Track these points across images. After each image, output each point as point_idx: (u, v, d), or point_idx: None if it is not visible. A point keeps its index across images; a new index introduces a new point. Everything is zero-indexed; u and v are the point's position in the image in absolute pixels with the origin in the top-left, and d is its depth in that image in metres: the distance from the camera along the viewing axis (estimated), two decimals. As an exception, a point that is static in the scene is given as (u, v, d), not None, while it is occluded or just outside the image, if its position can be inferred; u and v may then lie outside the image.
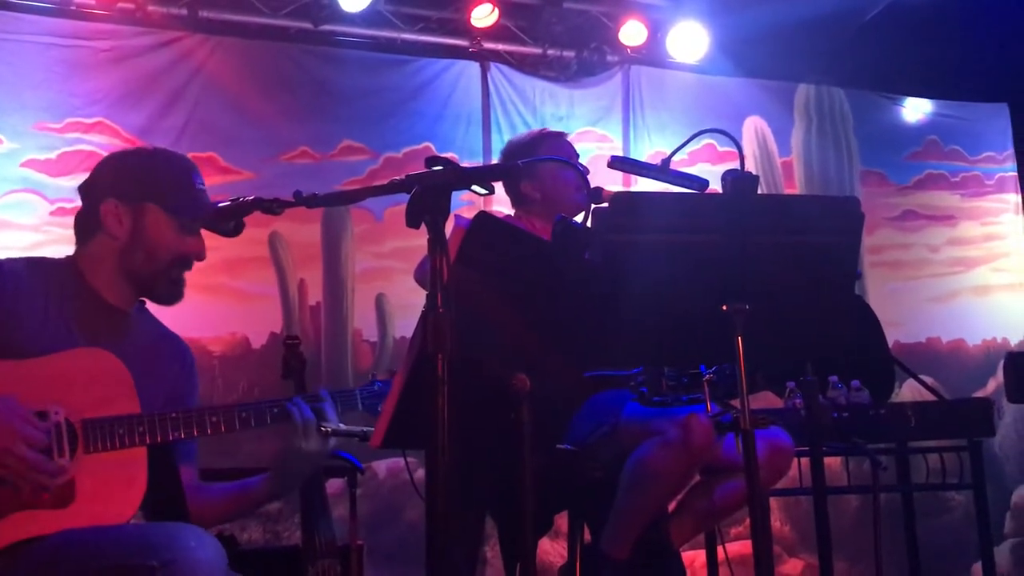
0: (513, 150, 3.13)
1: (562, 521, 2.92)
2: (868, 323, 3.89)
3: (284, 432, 2.03)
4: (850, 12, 5.26)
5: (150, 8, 4.54)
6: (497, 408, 1.80)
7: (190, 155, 2.22)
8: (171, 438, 1.95)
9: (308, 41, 4.87)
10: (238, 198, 1.83)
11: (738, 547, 4.10)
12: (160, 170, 2.09)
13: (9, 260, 2.02)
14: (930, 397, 3.98)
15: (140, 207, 2.03)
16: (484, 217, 1.75)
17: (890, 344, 4.52)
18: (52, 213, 4.16)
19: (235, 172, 4.50)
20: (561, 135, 3.14)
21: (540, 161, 2.92)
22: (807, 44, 5.36)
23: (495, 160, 4.33)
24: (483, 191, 1.73)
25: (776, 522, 4.93)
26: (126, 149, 2.25)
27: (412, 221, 1.53)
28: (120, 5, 4.48)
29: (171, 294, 2.08)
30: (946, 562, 5.08)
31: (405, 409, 1.69)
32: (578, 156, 3.07)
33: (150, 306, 2.18)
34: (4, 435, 1.76)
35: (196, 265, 2.13)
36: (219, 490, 2.15)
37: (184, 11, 4.61)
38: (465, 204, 4.12)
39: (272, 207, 1.77)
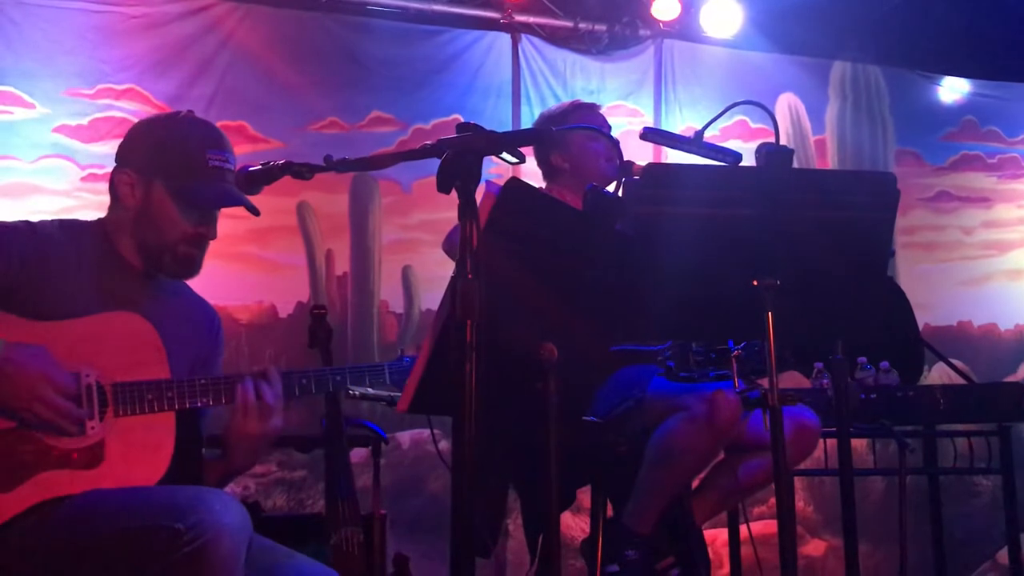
0: (545, 120, 3.11)
1: (584, 496, 2.92)
2: (898, 304, 3.85)
3: (230, 411, 2.00)
4: (888, -13, 5.17)
5: (181, -25, 4.53)
6: (523, 378, 1.79)
7: (219, 123, 2.18)
8: (199, 404, 1.96)
9: (339, 10, 4.84)
10: (268, 163, 1.82)
11: (761, 526, 4.08)
12: (172, 146, 2.04)
13: (42, 222, 2.03)
14: (960, 381, 3.93)
15: (149, 182, 2.03)
16: (515, 183, 1.74)
17: (920, 327, 4.47)
18: (83, 179, 4.17)
19: (264, 141, 4.50)
20: (593, 106, 3.12)
21: (571, 130, 2.90)
22: (843, 20, 5.27)
23: (525, 133, 4.29)
24: (513, 160, 1.71)
25: (800, 502, 4.90)
26: (154, 116, 2.23)
27: (443, 186, 1.52)
28: (151, -28, 4.48)
29: (179, 270, 2.07)
30: (972, 547, 5.04)
31: (432, 374, 1.69)
32: (610, 128, 3.04)
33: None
34: (34, 380, 1.79)
35: (225, 233, 2.12)
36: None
37: (215, -21, 4.59)
38: (495, 177, 4.10)
39: (302, 171, 1.76)
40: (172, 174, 2.02)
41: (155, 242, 2.03)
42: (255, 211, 2.04)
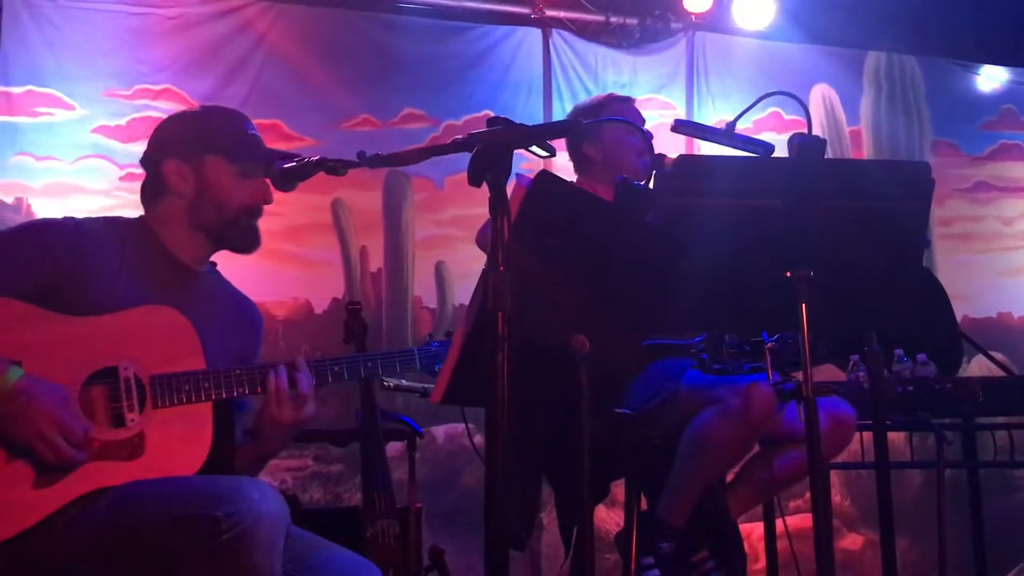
0: (579, 112, 3.10)
1: (618, 490, 2.92)
2: (935, 296, 3.80)
3: (261, 400, 2.03)
4: (924, -24, 5.10)
5: (215, -24, 4.58)
6: (556, 370, 1.80)
7: (255, 122, 2.23)
8: (235, 394, 1.99)
9: (370, 8, 4.87)
10: (303, 158, 1.85)
11: (797, 520, 4.06)
12: (213, 122, 2.14)
13: (86, 219, 2.08)
14: (999, 373, 3.88)
15: (200, 161, 2.08)
16: (546, 176, 1.74)
17: (959, 318, 4.41)
18: (122, 178, 4.26)
19: (298, 139, 4.55)
20: (628, 100, 3.10)
21: (603, 123, 2.89)
22: (877, 10, 5.20)
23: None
24: (543, 153, 1.72)
25: (836, 496, 4.86)
26: (175, 112, 2.28)
27: (474, 180, 1.53)
28: (186, -26, 4.54)
29: (246, 241, 2.12)
30: (1012, 541, 4.96)
31: (465, 366, 1.70)
32: (644, 122, 3.03)
33: (221, 266, 2.22)
34: (40, 419, 1.80)
35: (261, 230, 2.14)
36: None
37: (248, -21, 4.64)
38: (525, 172, 4.11)
39: (336, 167, 1.78)
40: (224, 144, 2.09)
41: (218, 219, 2.09)
42: (276, 166, 2.01)
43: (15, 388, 1.80)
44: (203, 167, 2.08)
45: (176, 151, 2.09)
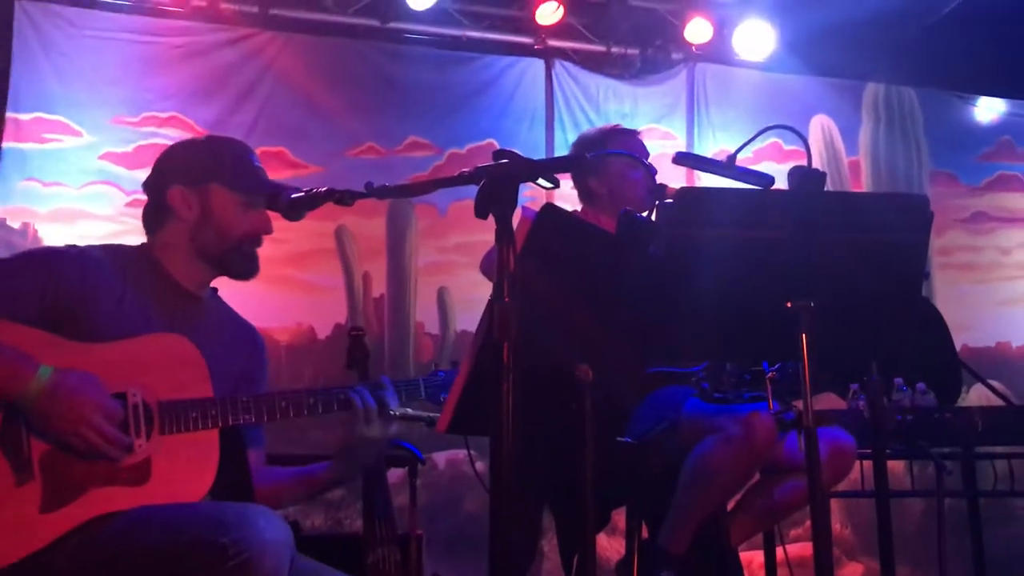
0: (584, 143, 3.13)
1: (619, 518, 2.93)
2: (935, 325, 3.82)
3: (347, 419, 2.08)
4: (922, 9, 5.16)
5: (222, 5, 4.65)
6: (559, 399, 1.82)
7: (259, 150, 2.27)
8: (242, 421, 2.01)
9: (376, 38, 4.94)
10: (311, 189, 1.88)
11: (797, 548, 4.06)
12: (219, 152, 2.17)
13: (90, 247, 2.09)
14: (998, 402, 3.89)
15: (205, 188, 2.10)
16: (551, 209, 1.77)
17: (958, 347, 4.42)
18: (128, 204, 4.30)
19: (303, 166, 4.60)
20: (633, 132, 3.13)
21: (608, 156, 2.92)
22: (877, 42, 5.26)
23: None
24: (548, 185, 1.75)
25: (836, 524, 4.86)
26: (181, 140, 2.32)
27: (480, 212, 1.55)
28: (194, 3, 4.60)
29: (246, 269, 2.14)
30: (1013, 571, 4.95)
31: (470, 396, 1.72)
32: (648, 155, 3.06)
33: (225, 292, 2.24)
34: (85, 406, 1.83)
35: (265, 257, 2.17)
36: (286, 473, 2.21)
37: (255, 8, 4.71)
38: (528, 200, 4.15)
39: (344, 198, 1.81)
40: (229, 174, 2.11)
41: (219, 246, 2.11)
42: (284, 197, 2.06)
43: (52, 384, 1.82)
44: (208, 195, 2.10)
45: (182, 178, 2.12)
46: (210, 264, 2.13)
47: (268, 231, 2.14)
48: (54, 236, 4.18)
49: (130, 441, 1.89)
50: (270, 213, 2.11)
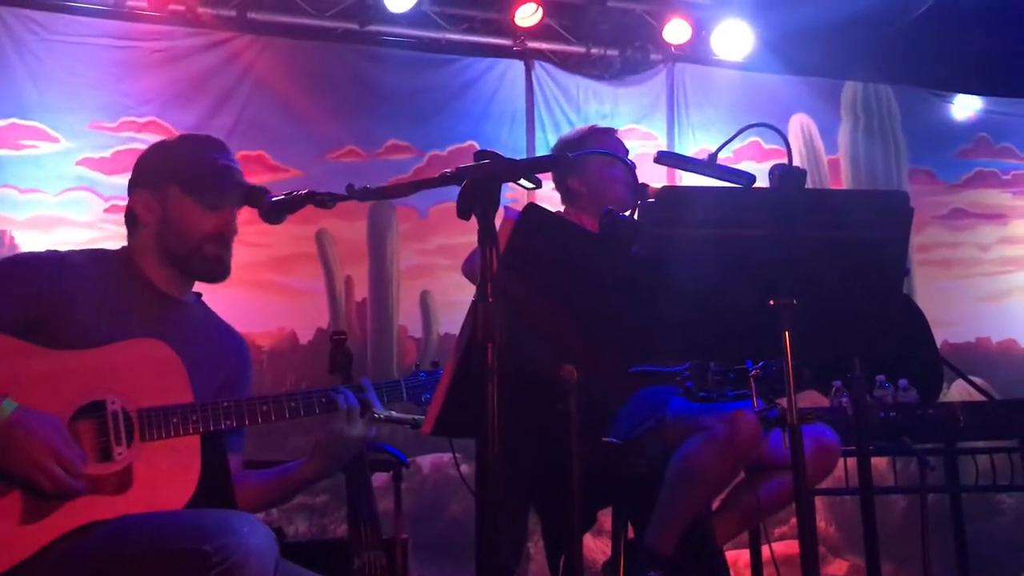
0: (563, 145, 3.14)
1: (605, 518, 2.93)
2: (916, 322, 3.84)
3: (328, 418, 2.06)
4: (898, 8, 5.19)
5: (200, 10, 4.62)
6: (543, 400, 1.81)
7: (239, 154, 2.25)
8: (223, 426, 1.99)
9: (355, 41, 4.92)
10: (291, 192, 1.86)
11: (783, 547, 4.07)
12: (177, 153, 2.14)
13: (70, 252, 2.08)
14: (979, 397, 3.91)
15: (163, 192, 2.08)
16: (533, 209, 1.77)
17: (939, 344, 4.45)
18: (106, 210, 4.27)
19: (283, 170, 4.58)
20: (611, 131, 3.14)
21: (588, 156, 2.92)
22: (854, 41, 5.30)
23: (539, 158, 4.33)
24: (530, 185, 1.74)
25: (821, 522, 4.88)
26: (156, 142, 2.30)
27: (462, 213, 1.55)
28: (171, 7, 4.57)
29: (210, 271, 2.11)
30: (996, 566, 4.99)
31: (455, 397, 1.71)
32: (627, 152, 3.06)
33: (206, 297, 2.22)
34: (40, 450, 1.79)
35: (246, 261, 2.16)
36: (260, 476, 2.19)
37: (233, 13, 4.69)
38: (510, 202, 4.15)
39: (325, 200, 1.80)
40: (185, 176, 2.08)
41: (181, 248, 2.08)
42: (271, 218, 2.02)
43: (10, 420, 1.79)
44: (167, 198, 2.08)
45: (145, 182, 2.11)
46: (176, 267, 2.10)
47: (232, 231, 2.10)
48: (31, 243, 4.14)
49: (79, 488, 1.84)
50: (251, 217, 2.09)
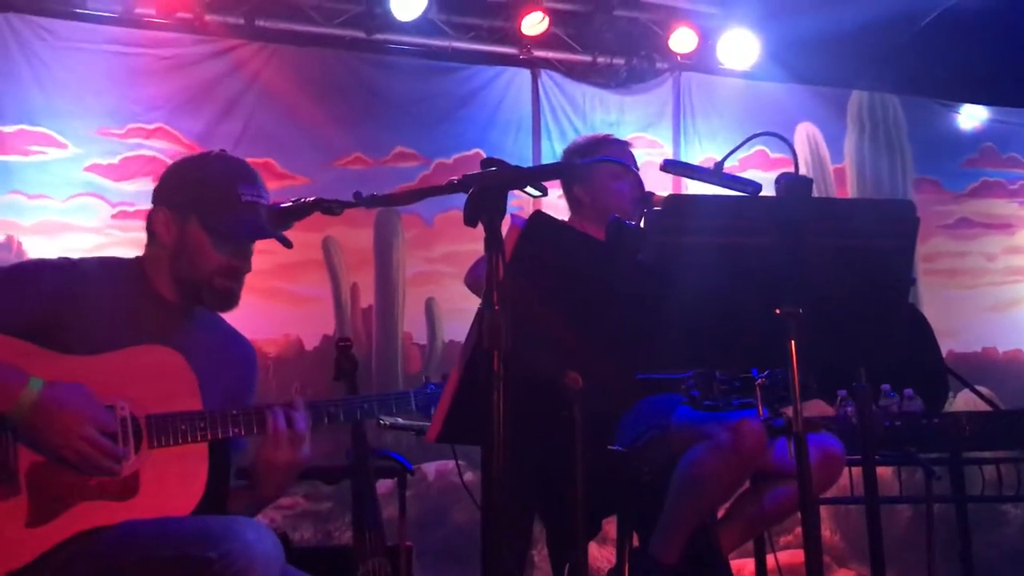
0: (572, 153, 3.13)
1: (610, 527, 2.92)
2: (921, 331, 3.84)
3: (260, 440, 2.01)
4: (905, 18, 5.20)
5: (208, 17, 4.63)
6: (548, 407, 1.82)
7: (248, 160, 2.24)
8: (231, 434, 1.99)
9: (361, 49, 4.94)
10: (299, 199, 1.87)
11: (787, 556, 4.05)
12: (205, 183, 2.09)
13: (83, 259, 2.09)
14: (985, 407, 3.90)
15: (184, 218, 2.07)
16: (539, 217, 1.77)
17: (944, 353, 4.45)
18: (114, 216, 4.26)
19: (291, 177, 4.59)
20: (623, 143, 3.13)
21: (595, 165, 2.92)
22: (860, 50, 5.30)
23: (545, 166, 4.32)
24: (536, 193, 1.75)
25: (826, 531, 4.87)
26: (188, 156, 2.29)
27: (469, 220, 1.55)
28: (179, 14, 4.59)
29: (217, 303, 2.10)
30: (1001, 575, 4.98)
31: (460, 405, 1.71)
32: (635, 163, 3.06)
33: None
34: (77, 418, 1.82)
35: (252, 269, 2.15)
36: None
37: (241, 20, 4.71)
38: (515, 210, 4.15)
39: (332, 207, 1.80)
40: (206, 210, 2.06)
41: (192, 277, 2.07)
42: (287, 243, 2.07)
43: (42, 398, 1.80)
44: (185, 225, 2.07)
45: (167, 200, 2.10)
46: (183, 291, 2.09)
47: (245, 269, 2.09)
48: (38, 249, 4.15)
49: (124, 452, 1.87)
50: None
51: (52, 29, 4.39)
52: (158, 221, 2.09)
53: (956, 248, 5.70)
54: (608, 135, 3.27)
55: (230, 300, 2.11)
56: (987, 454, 3.92)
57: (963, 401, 4.73)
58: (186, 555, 1.73)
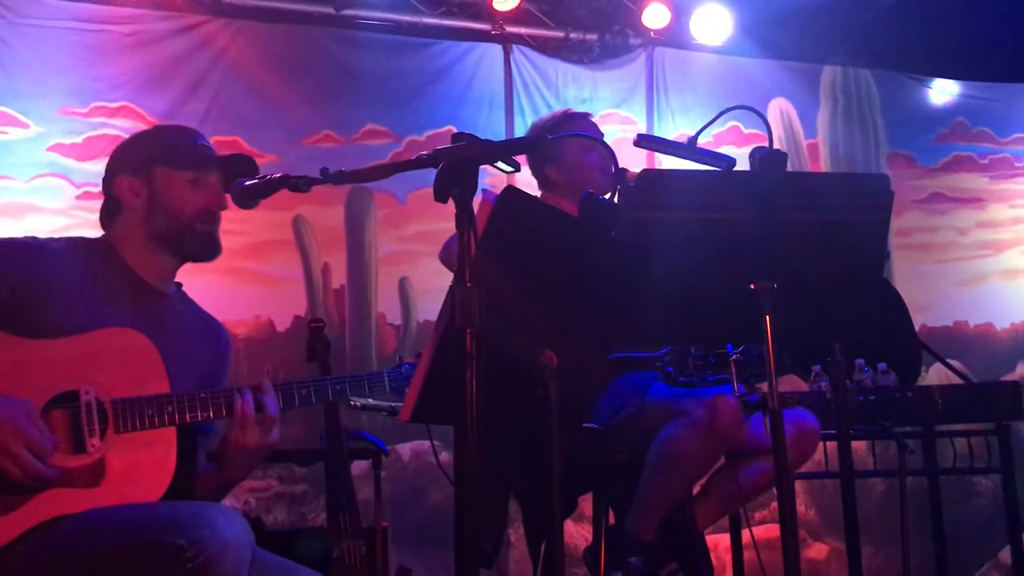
0: (537, 130, 3.10)
1: (586, 504, 2.92)
2: (895, 306, 3.86)
3: (226, 423, 1.99)
4: (877, -8, 5.20)
5: (173, -8, 4.55)
6: (523, 386, 1.80)
7: (213, 139, 2.24)
8: (200, 418, 1.96)
9: (330, 25, 4.86)
10: (265, 175, 1.83)
11: (763, 531, 4.09)
12: (159, 135, 2.20)
13: (51, 239, 2.05)
14: (957, 381, 3.94)
15: (149, 174, 2.08)
16: (511, 192, 1.75)
17: (917, 328, 4.47)
18: (78, 197, 4.19)
19: (259, 155, 4.50)
20: (585, 115, 3.11)
21: (564, 143, 2.89)
22: (833, 25, 5.30)
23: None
24: (508, 168, 1.72)
25: (801, 506, 4.91)
26: (132, 134, 2.29)
27: (440, 196, 1.53)
28: (144, -10, 4.49)
29: (203, 248, 2.10)
30: (974, 547, 5.04)
31: (433, 384, 1.69)
32: (602, 136, 3.04)
33: (185, 283, 2.19)
34: (11, 436, 1.76)
35: (222, 248, 2.13)
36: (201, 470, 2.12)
37: (207, -5, 4.62)
38: (489, 186, 4.11)
39: (299, 184, 1.77)
40: (169, 152, 2.09)
41: (171, 228, 2.07)
42: (254, 166, 2.07)
43: None
44: (153, 179, 2.08)
45: (127, 167, 2.10)
46: (167, 249, 2.09)
47: (222, 206, 2.10)
48: (2, 231, 4.06)
49: (53, 475, 1.81)
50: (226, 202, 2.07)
51: (12, 6, 4.28)
52: (123, 189, 2.08)
53: (929, 223, 5.73)
54: (568, 110, 3.25)
55: (213, 244, 2.11)
56: (958, 427, 3.95)
57: (935, 375, 4.77)
58: (155, 543, 1.69)
